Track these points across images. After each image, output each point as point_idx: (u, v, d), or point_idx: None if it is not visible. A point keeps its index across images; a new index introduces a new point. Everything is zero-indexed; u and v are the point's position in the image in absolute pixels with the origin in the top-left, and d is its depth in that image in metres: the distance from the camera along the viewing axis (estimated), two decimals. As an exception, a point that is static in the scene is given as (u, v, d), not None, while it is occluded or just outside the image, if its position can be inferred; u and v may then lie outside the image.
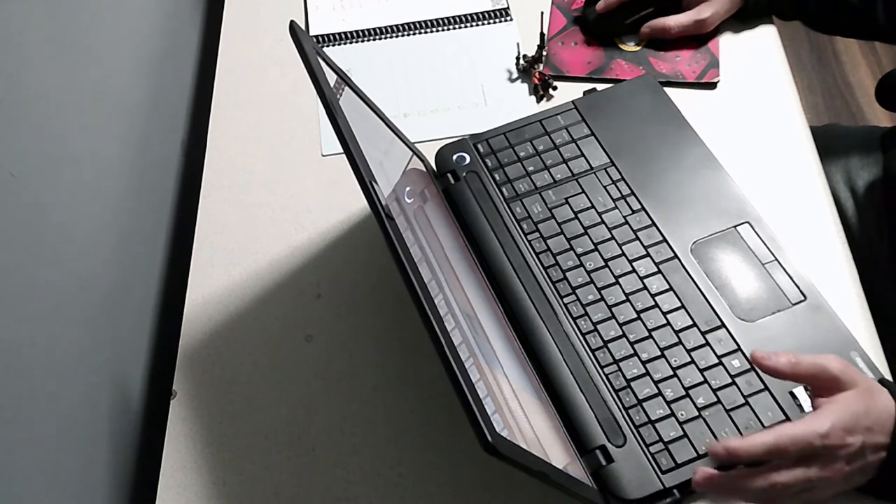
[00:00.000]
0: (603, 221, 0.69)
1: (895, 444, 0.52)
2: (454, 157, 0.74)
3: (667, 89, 0.77)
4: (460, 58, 0.86)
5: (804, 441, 0.51)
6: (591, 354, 0.63)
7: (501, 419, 0.46)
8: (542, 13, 0.84)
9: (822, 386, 0.54)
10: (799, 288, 0.65)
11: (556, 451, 0.53)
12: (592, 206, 0.70)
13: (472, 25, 0.88)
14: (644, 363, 0.62)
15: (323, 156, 0.80)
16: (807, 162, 0.75)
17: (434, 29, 0.89)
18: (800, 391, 0.59)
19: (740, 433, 0.59)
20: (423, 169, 0.71)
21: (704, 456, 0.58)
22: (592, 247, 0.68)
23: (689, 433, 0.59)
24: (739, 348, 0.62)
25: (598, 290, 0.66)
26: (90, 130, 0.67)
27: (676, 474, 0.57)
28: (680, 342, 0.63)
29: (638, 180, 0.71)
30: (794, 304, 0.64)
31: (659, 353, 0.62)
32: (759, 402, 0.59)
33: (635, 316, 0.64)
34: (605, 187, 0.71)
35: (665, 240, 0.68)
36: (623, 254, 0.67)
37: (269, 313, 0.72)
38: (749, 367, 0.61)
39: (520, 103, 0.82)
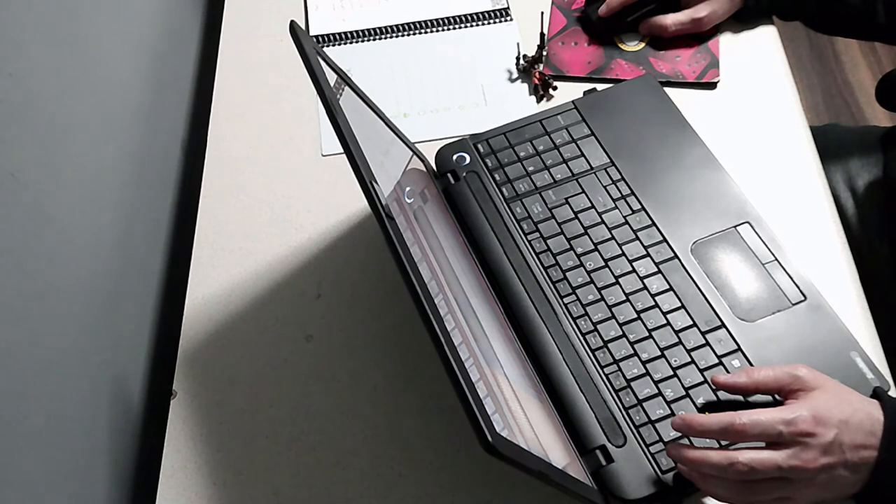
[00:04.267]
0: (603, 221, 0.69)
1: (886, 445, 0.51)
2: (454, 157, 0.74)
3: (667, 89, 0.77)
4: (460, 58, 0.86)
5: (767, 424, 0.50)
6: (591, 354, 0.63)
7: (501, 419, 0.46)
8: (542, 13, 0.84)
9: (790, 389, 0.53)
10: (799, 288, 0.65)
11: (556, 451, 0.53)
12: (592, 206, 0.70)
13: (472, 25, 0.88)
14: (644, 363, 0.62)
15: (323, 156, 0.80)
16: (807, 162, 0.75)
17: (434, 29, 0.89)
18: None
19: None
20: (423, 169, 0.71)
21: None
22: (592, 247, 0.68)
23: (690, 433, 0.59)
24: (739, 348, 0.62)
25: (598, 290, 0.66)
26: (90, 130, 0.67)
27: (676, 474, 0.57)
28: (680, 342, 0.63)
29: (638, 180, 0.71)
30: (794, 304, 0.64)
31: (659, 353, 0.62)
32: (759, 404, 0.59)
33: (635, 316, 0.64)
34: (605, 187, 0.71)
35: (665, 240, 0.68)
36: (623, 254, 0.67)
37: (269, 313, 0.72)
38: (749, 367, 0.61)
39: (520, 103, 0.82)
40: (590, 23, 0.85)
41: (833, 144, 0.87)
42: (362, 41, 0.88)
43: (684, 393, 0.61)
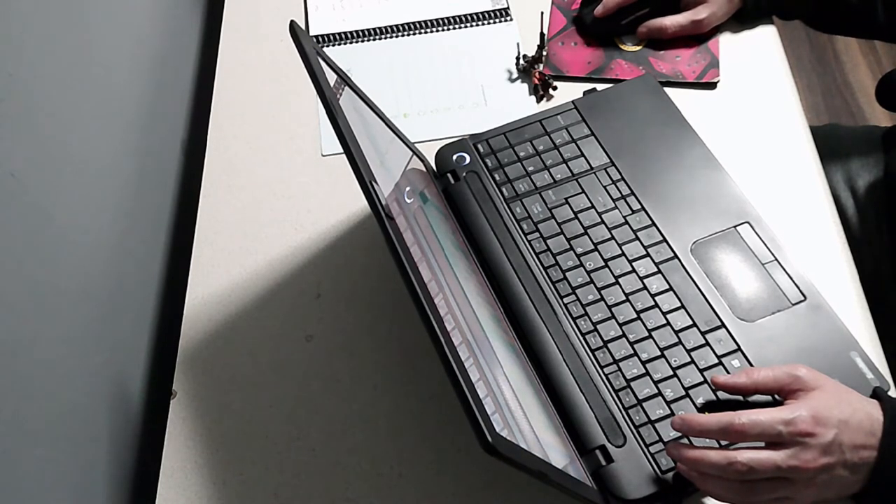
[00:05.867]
0: (603, 221, 0.69)
1: (886, 445, 0.51)
2: (454, 157, 0.74)
3: (667, 89, 0.77)
4: (460, 58, 0.86)
5: (766, 424, 0.50)
6: (590, 354, 0.63)
7: (501, 419, 0.46)
8: (542, 13, 0.84)
9: (790, 389, 0.53)
10: (799, 288, 0.65)
11: (556, 451, 0.53)
12: (592, 206, 0.70)
13: (472, 25, 0.88)
14: (644, 363, 0.62)
15: (323, 156, 0.80)
16: (807, 162, 0.75)
17: (434, 29, 0.89)
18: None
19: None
20: (423, 169, 0.71)
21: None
22: (592, 247, 0.68)
23: (689, 433, 0.59)
24: (739, 348, 0.62)
25: (598, 290, 0.66)
26: (90, 130, 0.67)
27: (676, 474, 0.57)
28: (680, 342, 0.63)
29: (638, 180, 0.71)
30: (794, 304, 0.64)
31: (659, 353, 0.62)
32: (759, 404, 0.59)
33: (635, 316, 0.64)
34: (605, 187, 0.71)
35: (665, 240, 0.68)
36: (623, 254, 0.67)
37: (269, 313, 0.72)
38: (749, 367, 0.61)
39: (520, 103, 0.82)
40: (585, 25, 0.85)
41: (833, 144, 0.87)
42: (362, 41, 0.88)
43: (684, 393, 0.61)
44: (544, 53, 0.83)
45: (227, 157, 0.81)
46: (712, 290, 0.65)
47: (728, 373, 0.61)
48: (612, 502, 0.57)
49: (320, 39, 0.89)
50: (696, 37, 0.82)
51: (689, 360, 0.62)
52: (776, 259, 0.66)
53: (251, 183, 0.79)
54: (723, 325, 0.63)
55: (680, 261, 0.67)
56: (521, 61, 0.83)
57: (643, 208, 0.70)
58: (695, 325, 0.63)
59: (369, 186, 0.47)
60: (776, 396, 0.56)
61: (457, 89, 0.84)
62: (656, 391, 0.61)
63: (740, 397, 0.58)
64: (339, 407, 0.67)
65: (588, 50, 0.84)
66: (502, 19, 0.88)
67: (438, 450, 0.64)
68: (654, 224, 0.69)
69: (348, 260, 0.74)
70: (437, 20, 0.89)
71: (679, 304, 0.64)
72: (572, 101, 0.77)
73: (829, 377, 0.54)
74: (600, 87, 0.80)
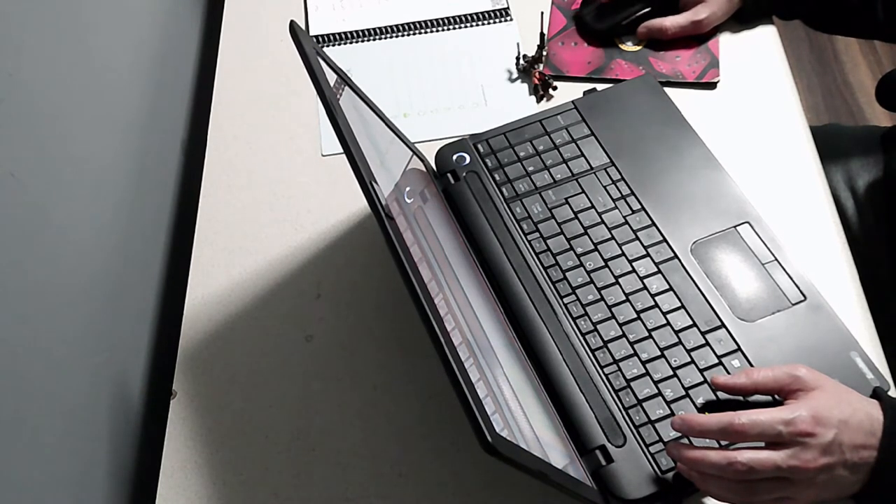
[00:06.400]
0: (603, 221, 0.69)
1: (886, 445, 0.51)
2: (454, 157, 0.74)
3: (667, 89, 0.77)
4: (460, 58, 0.86)
5: (766, 424, 0.50)
6: (590, 354, 0.63)
7: (501, 419, 0.46)
8: (542, 13, 0.84)
9: (790, 389, 0.53)
10: (799, 288, 0.65)
11: (555, 451, 0.53)
12: (592, 206, 0.70)
13: (472, 25, 0.88)
14: (644, 363, 0.62)
15: (323, 156, 0.80)
16: (807, 162, 0.75)
17: (434, 29, 0.89)
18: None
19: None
20: (423, 169, 0.71)
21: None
22: (592, 247, 0.68)
23: (689, 433, 0.59)
24: (739, 348, 0.62)
25: (598, 290, 0.66)
26: (90, 130, 0.67)
27: (676, 474, 0.57)
28: (680, 342, 0.63)
29: (638, 180, 0.71)
30: (794, 304, 0.64)
31: (659, 353, 0.62)
32: (759, 404, 0.59)
33: (635, 316, 0.64)
34: (605, 187, 0.71)
35: (665, 240, 0.68)
36: (623, 254, 0.67)
37: (269, 313, 0.72)
38: (749, 367, 0.61)
39: (520, 103, 0.82)
40: (585, 23, 0.85)
41: (833, 144, 0.87)
42: (362, 41, 0.88)
43: (684, 393, 0.61)
44: (544, 53, 0.83)
45: (227, 157, 0.81)
46: (712, 290, 0.65)
47: (728, 373, 0.61)
48: (612, 502, 0.57)
49: (320, 39, 0.89)
50: (696, 37, 0.82)
51: (689, 360, 0.62)
52: (776, 259, 0.66)
53: (251, 183, 0.79)
54: (723, 325, 0.63)
55: (680, 261, 0.67)
56: (521, 61, 0.83)
57: (643, 208, 0.70)
58: (695, 325, 0.63)
59: (369, 186, 0.47)
60: (776, 397, 0.56)
61: (457, 89, 0.84)
62: (656, 391, 0.61)
63: (740, 397, 0.58)
64: (339, 407, 0.67)
65: (588, 50, 0.84)
66: (502, 19, 0.88)
67: (438, 450, 0.64)
68: (654, 224, 0.69)
69: (348, 260, 0.74)
70: (437, 20, 0.89)
71: (679, 304, 0.64)
72: (572, 101, 0.77)
73: (829, 377, 0.54)
74: (600, 87, 0.80)
